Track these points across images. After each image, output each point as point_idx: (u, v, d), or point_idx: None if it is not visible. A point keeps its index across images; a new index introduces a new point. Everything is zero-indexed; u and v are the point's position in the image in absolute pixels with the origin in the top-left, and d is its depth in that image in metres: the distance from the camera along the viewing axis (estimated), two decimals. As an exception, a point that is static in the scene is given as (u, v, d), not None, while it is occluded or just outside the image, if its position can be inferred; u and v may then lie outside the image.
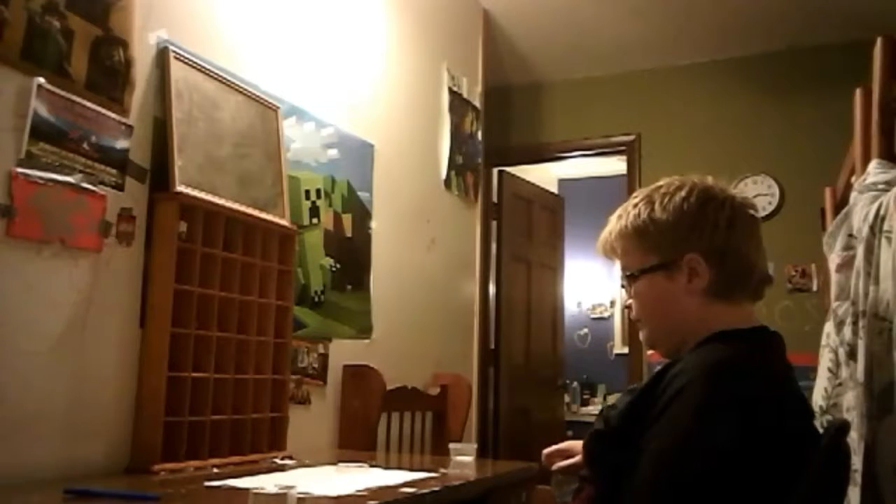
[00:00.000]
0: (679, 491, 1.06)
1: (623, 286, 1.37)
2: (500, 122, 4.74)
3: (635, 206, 1.29)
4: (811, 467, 1.13)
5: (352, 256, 2.95)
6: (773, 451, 1.08)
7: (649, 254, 1.27)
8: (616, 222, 1.31)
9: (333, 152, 2.86)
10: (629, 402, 1.21)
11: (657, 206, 1.26)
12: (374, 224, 3.09)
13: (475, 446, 2.62)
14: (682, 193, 1.25)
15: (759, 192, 4.34)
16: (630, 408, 1.20)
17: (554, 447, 1.55)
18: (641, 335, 1.35)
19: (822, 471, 1.15)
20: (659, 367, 1.23)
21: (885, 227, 1.62)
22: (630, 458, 1.13)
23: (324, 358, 2.75)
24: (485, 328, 4.50)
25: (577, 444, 1.51)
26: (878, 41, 1.88)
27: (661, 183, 1.30)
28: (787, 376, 1.21)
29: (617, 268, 1.40)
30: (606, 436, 1.22)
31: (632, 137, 4.67)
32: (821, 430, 1.23)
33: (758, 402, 1.11)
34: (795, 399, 1.19)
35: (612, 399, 5.89)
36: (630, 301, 1.34)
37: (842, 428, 1.23)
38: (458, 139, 3.80)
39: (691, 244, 1.24)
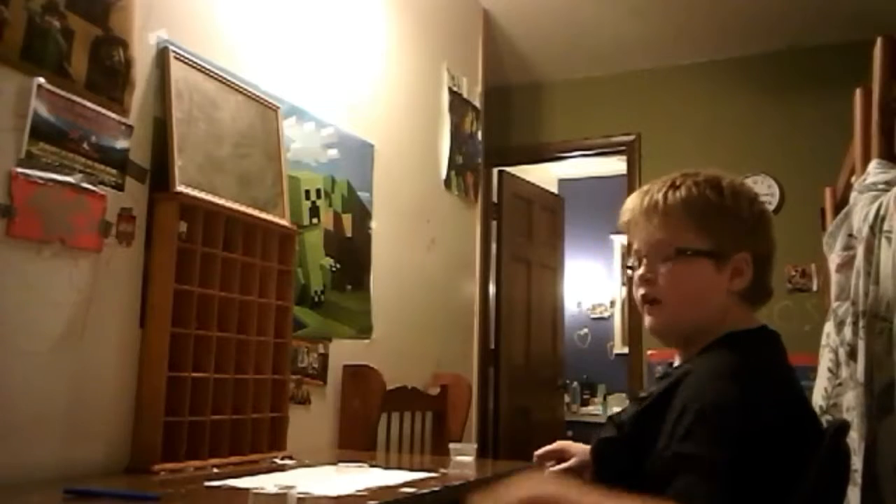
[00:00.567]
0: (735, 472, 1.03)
1: (640, 260, 1.28)
2: (500, 122, 4.74)
3: (696, 184, 1.24)
4: (811, 467, 1.13)
5: (352, 256, 2.95)
6: (777, 453, 1.08)
7: (704, 237, 1.22)
8: (671, 192, 1.24)
9: (333, 152, 2.86)
10: (641, 410, 1.20)
11: (727, 193, 1.24)
12: (374, 224, 3.08)
13: (475, 446, 2.62)
14: (751, 194, 1.27)
15: (759, 192, 4.30)
16: (642, 415, 1.19)
17: (546, 448, 1.51)
18: (650, 319, 1.27)
19: (822, 471, 1.15)
20: (666, 372, 1.22)
21: (885, 227, 1.62)
22: (639, 464, 1.12)
23: (324, 358, 2.75)
24: (485, 328, 4.50)
25: (571, 446, 1.50)
26: (878, 41, 1.88)
27: (715, 174, 1.27)
28: (791, 377, 1.21)
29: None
30: (617, 442, 1.21)
31: (632, 137, 4.67)
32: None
33: (765, 405, 1.10)
34: (798, 399, 1.19)
35: (612, 399, 5.94)
36: (648, 275, 1.25)
37: (842, 428, 1.23)
38: (458, 139, 3.80)
39: (747, 244, 1.24)
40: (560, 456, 1.49)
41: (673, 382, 1.18)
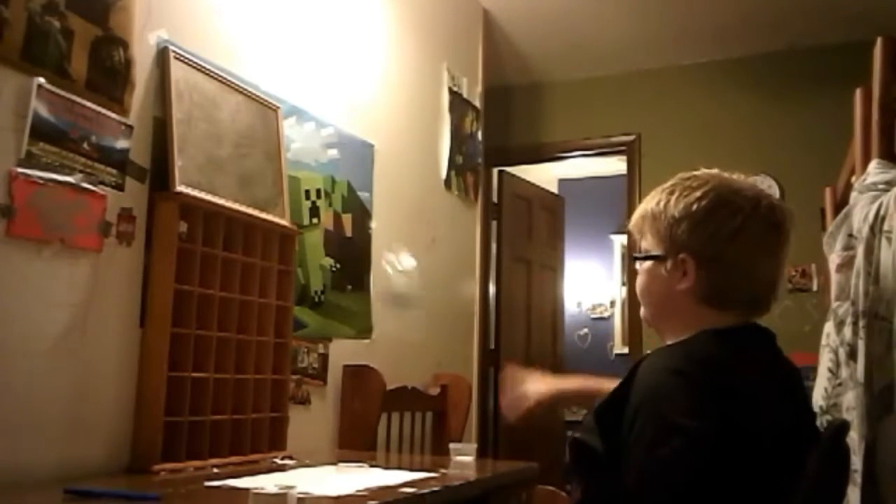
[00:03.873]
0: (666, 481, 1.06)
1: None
2: (500, 122, 4.74)
3: (662, 190, 1.29)
4: (810, 467, 1.13)
5: (352, 256, 2.95)
6: (730, 450, 1.07)
7: (656, 242, 1.28)
8: (645, 204, 1.32)
9: (333, 152, 2.85)
10: (607, 398, 1.21)
11: (673, 198, 1.26)
12: (374, 224, 3.08)
13: (475, 446, 2.62)
14: (698, 193, 1.24)
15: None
16: (607, 402, 1.20)
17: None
18: (641, 312, 1.37)
19: (822, 471, 1.15)
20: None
21: (885, 227, 1.62)
22: (610, 447, 1.14)
23: (324, 358, 2.75)
24: (485, 328, 4.50)
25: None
26: (878, 41, 1.88)
27: (690, 175, 1.29)
28: (765, 372, 1.20)
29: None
30: (585, 445, 1.20)
31: (632, 137, 4.67)
32: (821, 430, 1.23)
33: (727, 396, 1.10)
34: (773, 395, 1.18)
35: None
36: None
37: (842, 428, 1.23)
38: (458, 139, 3.80)
39: (687, 245, 1.23)
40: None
41: (632, 368, 1.20)
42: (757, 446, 1.10)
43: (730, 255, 1.22)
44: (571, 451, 1.19)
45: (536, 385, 1.71)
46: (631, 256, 1.39)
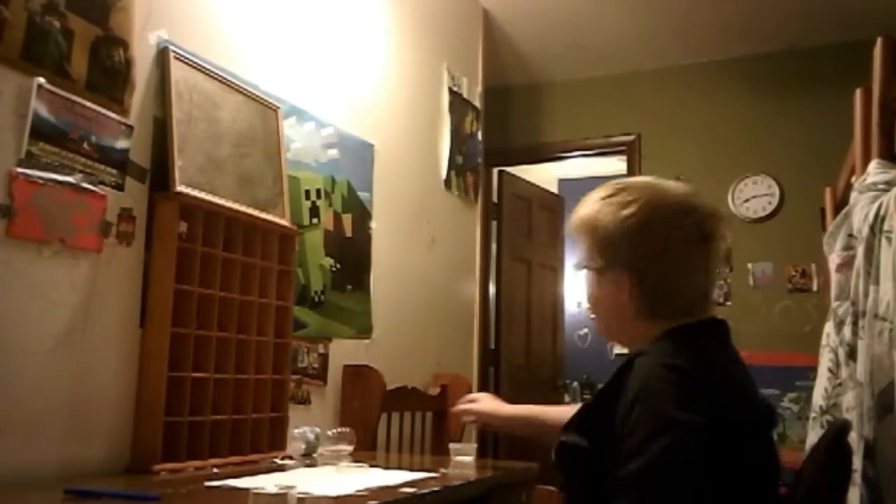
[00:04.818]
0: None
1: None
2: (500, 122, 4.74)
3: (599, 199, 1.29)
4: (811, 467, 1.13)
5: (352, 256, 2.95)
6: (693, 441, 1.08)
7: (593, 253, 1.28)
8: (582, 211, 1.31)
9: (333, 152, 2.86)
10: (596, 395, 1.22)
11: (608, 211, 1.26)
12: (374, 224, 3.08)
13: (475, 446, 2.62)
14: (632, 209, 1.24)
15: (759, 193, 4.34)
16: (596, 400, 1.21)
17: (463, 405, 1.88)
18: (594, 324, 1.38)
19: (822, 471, 1.15)
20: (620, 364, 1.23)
21: (885, 227, 1.62)
22: (598, 444, 1.14)
23: (324, 358, 2.75)
24: (485, 328, 4.50)
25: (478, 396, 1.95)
26: (878, 41, 1.88)
27: (625, 185, 1.29)
28: (739, 363, 1.23)
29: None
30: (570, 445, 1.21)
31: (632, 137, 4.67)
32: (821, 430, 1.23)
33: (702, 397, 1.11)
34: (752, 386, 1.21)
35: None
36: None
37: (842, 428, 1.24)
38: (458, 139, 3.80)
39: (621, 259, 1.24)
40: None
41: (619, 371, 1.20)
42: (746, 436, 1.12)
43: (661, 268, 1.23)
44: (558, 454, 1.21)
45: (486, 405, 1.88)
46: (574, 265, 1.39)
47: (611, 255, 1.25)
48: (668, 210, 1.24)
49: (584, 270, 1.31)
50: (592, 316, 1.36)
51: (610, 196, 1.27)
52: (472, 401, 1.91)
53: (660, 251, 1.22)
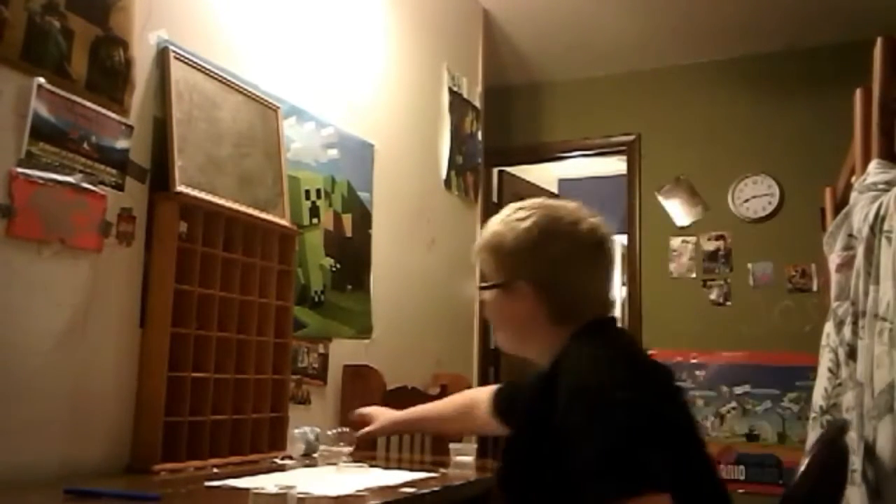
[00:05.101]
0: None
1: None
2: (500, 122, 4.74)
3: (498, 222, 1.37)
4: (810, 467, 1.13)
5: (352, 256, 2.95)
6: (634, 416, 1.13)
7: (495, 271, 1.36)
8: (483, 234, 1.40)
9: (333, 152, 2.86)
10: (528, 399, 1.34)
11: (508, 229, 1.35)
12: (374, 224, 3.08)
13: (475, 446, 2.62)
14: (527, 224, 1.33)
15: (759, 193, 4.34)
16: (530, 403, 1.32)
17: (360, 411, 2.16)
18: (495, 339, 1.46)
19: (820, 471, 1.15)
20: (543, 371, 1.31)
21: (885, 227, 1.62)
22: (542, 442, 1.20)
23: (324, 358, 2.75)
24: (485, 328, 4.49)
25: (375, 412, 2.20)
26: (878, 41, 1.88)
27: (519, 206, 1.38)
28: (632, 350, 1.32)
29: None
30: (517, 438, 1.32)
31: (632, 137, 4.66)
32: (820, 430, 1.23)
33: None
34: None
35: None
36: None
37: (842, 428, 1.24)
38: (458, 139, 3.80)
39: (524, 272, 1.32)
40: (366, 420, 2.14)
41: (548, 377, 1.26)
42: (673, 398, 1.25)
43: (561, 277, 1.32)
44: (504, 458, 1.29)
45: (379, 422, 2.14)
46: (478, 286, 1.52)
47: (515, 268, 1.33)
48: (562, 221, 1.34)
49: (490, 291, 1.37)
50: (497, 333, 1.43)
51: (507, 216, 1.37)
52: (366, 416, 2.18)
53: (560, 258, 1.31)
